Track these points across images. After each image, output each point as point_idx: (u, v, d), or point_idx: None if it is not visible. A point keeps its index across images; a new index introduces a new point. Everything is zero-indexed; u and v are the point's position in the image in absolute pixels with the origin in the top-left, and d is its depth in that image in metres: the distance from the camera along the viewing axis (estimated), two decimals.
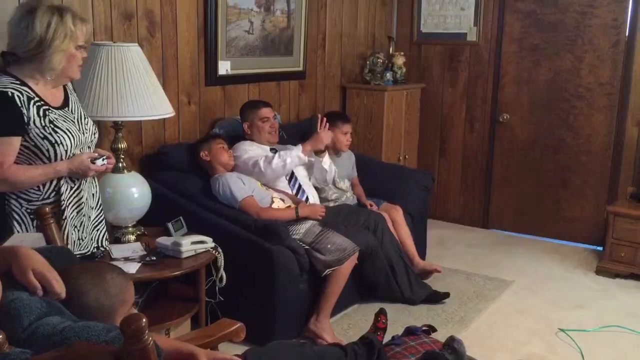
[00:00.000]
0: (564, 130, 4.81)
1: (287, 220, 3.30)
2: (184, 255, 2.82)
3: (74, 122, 2.31)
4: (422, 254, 4.16)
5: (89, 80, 2.68)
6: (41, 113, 2.19)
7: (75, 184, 2.33)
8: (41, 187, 2.26)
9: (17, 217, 2.24)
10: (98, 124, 2.51)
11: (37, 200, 2.25)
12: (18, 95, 2.15)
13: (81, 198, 2.36)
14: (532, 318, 3.57)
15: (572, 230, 4.88)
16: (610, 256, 4.19)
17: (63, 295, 1.46)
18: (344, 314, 3.55)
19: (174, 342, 1.75)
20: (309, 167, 3.79)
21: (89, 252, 2.44)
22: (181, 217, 3.08)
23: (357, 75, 5.01)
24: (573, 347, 3.23)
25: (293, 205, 3.41)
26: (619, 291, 3.99)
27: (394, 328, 3.06)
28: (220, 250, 2.97)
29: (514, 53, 4.93)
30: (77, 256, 2.25)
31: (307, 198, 3.62)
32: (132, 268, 2.65)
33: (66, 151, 2.25)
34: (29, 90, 2.19)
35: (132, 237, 2.96)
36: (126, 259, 2.73)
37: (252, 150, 3.53)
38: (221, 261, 2.96)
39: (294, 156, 3.49)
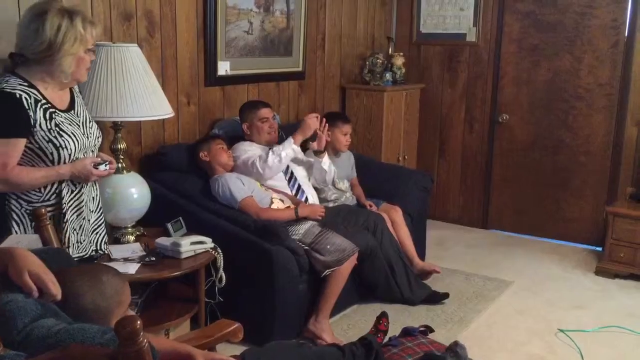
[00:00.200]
0: (564, 130, 4.82)
1: (287, 221, 3.30)
2: (184, 255, 2.82)
3: (79, 126, 2.31)
4: (422, 255, 4.16)
5: (89, 81, 2.67)
6: (47, 116, 2.20)
7: (76, 188, 2.34)
8: (42, 189, 2.26)
9: (16, 217, 2.24)
10: (97, 124, 2.51)
11: (37, 202, 2.25)
12: (26, 98, 2.15)
13: (82, 201, 2.36)
14: (531, 318, 3.57)
15: (572, 230, 4.88)
16: (610, 256, 4.19)
17: (59, 297, 1.45)
18: (344, 314, 3.55)
19: (171, 343, 1.75)
20: (309, 167, 3.80)
21: (87, 255, 2.44)
22: (180, 218, 3.08)
23: (356, 75, 5.01)
24: (572, 348, 3.23)
25: (292, 206, 3.41)
26: (618, 291, 3.99)
27: (394, 329, 3.05)
28: (219, 250, 2.97)
29: (513, 53, 4.93)
30: (75, 259, 2.26)
31: (306, 198, 3.63)
32: (132, 268, 2.66)
33: (70, 155, 2.25)
34: (37, 93, 2.20)
35: (132, 238, 2.96)
36: (125, 260, 2.73)
37: (250, 151, 3.53)
38: (220, 261, 2.96)
39: (287, 148, 3.49)
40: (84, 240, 2.39)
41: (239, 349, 2.47)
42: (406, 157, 5.00)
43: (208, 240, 2.94)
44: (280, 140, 3.66)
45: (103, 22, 3.12)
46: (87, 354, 1.21)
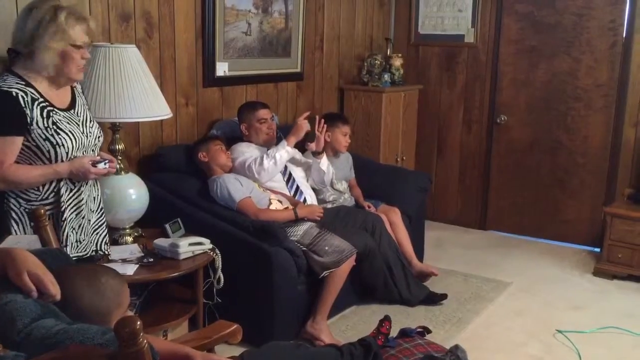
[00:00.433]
0: (562, 131, 4.82)
1: (285, 222, 3.30)
2: (182, 256, 2.82)
3: (78, 125, 2.31)
4: (420, 256, 4.16)
5: (87, 82, 2.68)
6: (45, 114, 2.20)
7: (75, 186, 2.33)
8: (40, 188, 2.26)
9: (15, 216, 2.24)
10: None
11: (35, 201, 2.25)
12: (22, 96, 2.16)
13: (81, 200, 2.36)
14: (529, 319, 3.58)
15: (570, 231, 4.88)
16: (608, 257, 4.19)
17: (58, 297, 1.45)
18: (342, 315, 3.55)
19: (169, 344, 1.75)
20: (307, 168, 3.80)
21: (88, 255, 2.44)
22: (179, 219, 3.08)
23: (354, 76, 5.01)
24: (570, 349, 3.23)
25: (291, 207, 3.41)
26: (616, 292, 4.00)
27: (392, 329, 3.05)
28: (217, 251, 2.97)
29: (512, 55, 4.94)
30: (75, 258, 2.26)
31: (304, 199, 3.63)
32: (130, 269, 2.65)
33: (67, 153, 2.25)
34: (34, 91, 2.20)
35: (130, 239, 2.96)
36: (124, 261, 2.73)
37: (248, 152, 3.53)
38: (219, 262, 2.96)
39: (282, 151, 3.50)
40: (83, 240, 2.39)
41: (237, 350, 2.47)
42: (404, 158, 5.01)
43: (206, 241, 2.94)
44: (279, 142, 3.66)
45: (101, 23, 3.11)
46: (87, 354, 1.21)
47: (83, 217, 2.37)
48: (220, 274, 2.97)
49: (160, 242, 2.87)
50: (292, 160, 3.67)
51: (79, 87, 2.46)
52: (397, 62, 4.96)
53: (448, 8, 5.07)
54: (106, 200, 2.78)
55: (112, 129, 2.89)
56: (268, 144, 3.62)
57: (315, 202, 3.71)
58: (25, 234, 2.24)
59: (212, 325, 2.06)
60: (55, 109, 2.24)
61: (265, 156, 3.47)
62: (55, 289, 1.45)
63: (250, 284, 3.09)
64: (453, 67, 5.14)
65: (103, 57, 2.72)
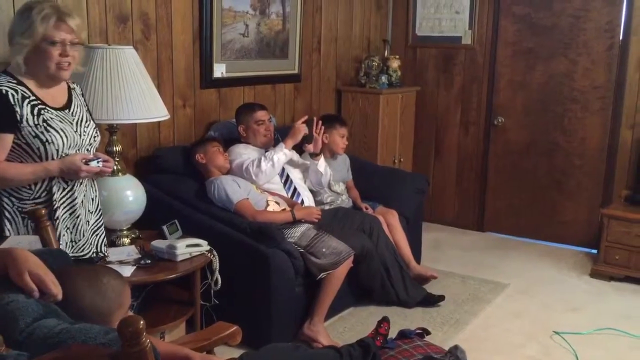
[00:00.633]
0: (559, 133, 4.83)
1: (283, 224, 3.29)
2: (179, 258, 2.81)
3: (71, 124, 2.30)
4: (417, 257, 4.16)
5: (84, 83, 2.67)
6: (35, 112, 2.20)
7: (68, 185, 2.32)
8: (33, 186, 2.25)
9: (8, 215, 2.24)
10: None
11: (28, 199, 2.25)
12: (12, 94, 2.16)
13: (74, 199, 2.34)
14: (527, 321, 3.58)
15: (567, 233, 4.89)
16: (605, 259, 4.20)
17: (60, 297, 1.45)
18: (339, 317, 3.54)
19: (169, 346, 1.75)
20: (304, 170, 3.80)
21: (87, 257, 2.43)
22: (176, 220, 3.08)
23: (352, 78, 5.01)
24: (568, 350, 3.24)
25: (288, 208, 3.41)
26: (613, 294, 4.00)
27: (390, 331, 3.05)
28: (215, 253, 2.96)
29: (509, 56, 4.94)
30: (73, 259, 2.25)
31: (302, 201, 3.62)
32: (127, 271, 2.65)
33: (57, 150, 2.23)
34: (26, 90, 2.21)
35: (127, 240, 2.95)
36: (121, 262, 2.72)
37: (245, 154, 3.53)
38: (216, 264, 2.96)
39: (280, 153, 3.50)
40: (79, 240, 2.37)
41: (235, 352, 2.46)
42: (402, 159, 5.01)
43: (204, 242, 2.93)
44: (276, 143, 3.66)
45: (98, 25, 3.11)
46: (90, 353, 1.21)
47: (78, 217, 2.35)
48: (217, 275, 2.97)
49: (158, 243, 2.87)
50: (290, 162, 3.67)
51: (78, 89, 2.45)
52: (395, 63, 4.96)
53: (445, 10, 5.08)
54: (103, 201, 2.77)
55: (109, 131, 2.89)
56: (266, 146, 3.62)
57: (312, 204, 3.71)
58: (18, 232, 2.24)
59: (212, 327, 2.06)
60: (47, 107, 2.24)
61: (263, 158, 3.47)
62: (56, 289, 1.45)
63: (247, 286, 3.09)
64: (450, 68, 5.15)
65: (100, 59, 2.72)
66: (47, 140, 2.21)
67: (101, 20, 3.12)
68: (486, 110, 5.07)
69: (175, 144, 3.61)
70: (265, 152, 3.58)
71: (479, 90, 5.06)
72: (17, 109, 2.16)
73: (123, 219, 2.91)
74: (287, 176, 3.67)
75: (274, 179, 3.59)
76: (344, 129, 4.06)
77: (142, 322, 1.14)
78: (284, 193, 3.60)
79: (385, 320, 2.67)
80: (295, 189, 3.65)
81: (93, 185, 2.48)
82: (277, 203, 3.42)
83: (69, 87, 2.40)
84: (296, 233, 3.30)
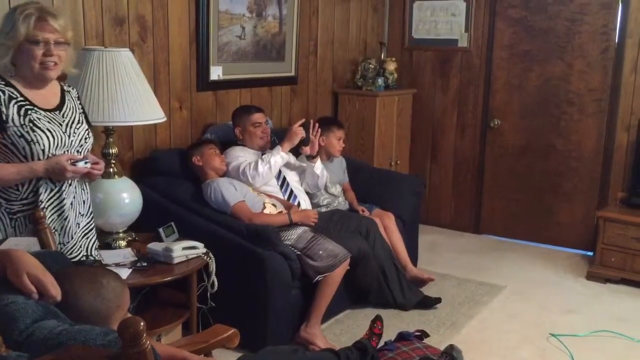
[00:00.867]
0: (555, 135, 4.84)
1: (279, 226, 3.29)
2: (176, 261, 2.80)
3: (61, 125, 2.28)
4: (414, 260, 4.16)
5: (80, 85, 2.67)
6: (22, 112, 2.19)
7: (55, 187, 2.30)
8: (20, 187, 2.24)
9: None
10: (91, 128, 2.48)
11: (15, 200, 2.23)
12: None
13: (62, 201, 2.31)
14: (523, 323, 3.58)
15: (563, 235, 4.90)
16: (601, 261, 4.21)
17: (58, 298, 1.45)
18: (336, 319, 3.54)
19: (167, 348, 1.75)
20: (301, 172, 3.80)
21: (76, 259, 2.41)
22: (172, 223, 3.07)
23: (348, 80, 5.02)
24: (564, 352, 3.24)
25: (285, 211, 3.41)
26: (609, 296, 4.01)
27: (386, 333, 3.05)
28: (211, 255, 2.96)
29: (505, 59, 4.96)
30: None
31: (299, 203, 3.62)
32: (123, 274, 2.63)
33: (43, 150, 2.22)
34: (14, 91, 2.20)
35: (123, 243, 2.94)
36: (117, 265, 2.71)
37: (242, 157, 3.52)
38: (213, 267, 2.95)
39: (277, 156, 3.51)
40: (68, 242, 2.35)
41: (232, 355, 2.46)
42: (398, 162, 5.01)
43: (200, 245, 2.93)
44: (273, 145, 3.66)
45: (95, 27, 3.11)
46: (89, 354, 1.21)
47: (66, 219, 2.32)
48: (214, 278, 2.96)
49: (154, 246, 2.86)
50: (287, 165, 3.68)
51: (73, 92, 2.44)
52: (391, 66, 4.97)
53: (442, 13, 5.09)
54: (99, 204, 2.77)
55: (105, 133, 2.88)
56: (262, 148, 3.62)
57: (309, 206, 3.71)
58: (6, 233, 2.22)
59: (210, 330, 2.06)
60: (35, 108, 2.23)
61: (260, 161, 3.47)
62: (55, 291, 1.45)
63: (244, 288, 3.08)
64: (447, 71, 5.16)
65: (97, 61, 2.71)
66: (32, 140, 2.20)
67: (97, 22, 3.12)
68: (482, 112, 5.08)
69: (171, 146, 3.61)
70: (262, 154, 3.58)
71: (475, 93, 5.07)
72: (3, 109, 2.16)
73: (119, 222, 2.90)
74: (284, 178, 3.67)
75: (271, 181, 3.58)
76: (341, 132, 4.06)
77: (142, 324, 1.15)
78: (280, 195, 3.60)
79: (378, 319, 2.67)
80: (291, 191, 3.65)
81: (85, 188, 2.45)
82: (274, 205, 3.42)
83: (63, 89, 2.39)
84: (293, 235, 3.30)
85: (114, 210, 2.83)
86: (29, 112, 2.21)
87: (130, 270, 2.70)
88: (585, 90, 4.69)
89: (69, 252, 2.37)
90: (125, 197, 2.87)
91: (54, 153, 2.24)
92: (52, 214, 2.29)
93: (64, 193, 2.32)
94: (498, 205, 5.15)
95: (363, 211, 3.96)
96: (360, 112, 4.75)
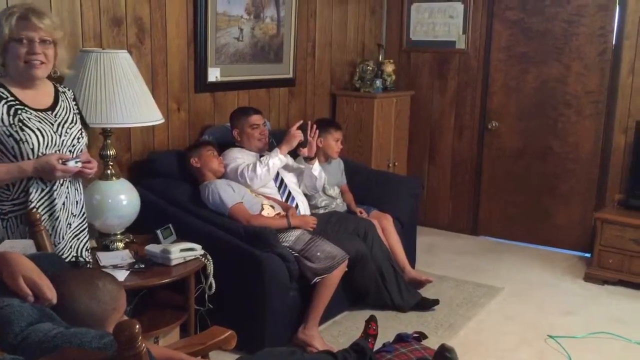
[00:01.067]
0: (552, 137, 4.85)
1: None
2: (173, 262, 2.80)
3: (52, 125, 2.27)
4: (412, 261, 4.16)
5: (78, 87, 2.66)
6: (12, 112, 2.19)
7: (46, 186, 2.28)
8: (10, 187, 2.23)
9: None
10: (86, 129, 2.47)
11: (6, 200, 2.22)
12: None
13: (54, 201, 2.29)
14: (521, 325, 3.58)
15: (561, 237, 4.90)
16: (599, 263, 4.21)
17: (54, 301, 1.45)
18: (334, 321, 3.54)
19: (164, 350, 1.74)
20: (299, 174, 3.79)
21: (66, 260, 2.39)
22: (170, 225, 3.06)
23: (346, 82, 5.02)
24: (562, 354, 3.24)
25: (283, 213, 3.41)
26: (607, 298, 4.01)
27: (384, 335, 3.05)
28: (209, 257, 2.95)
29: (503, 61, 4.96)
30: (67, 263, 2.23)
31: (296, 205, 3.62)
32: (121, 276, 2.63)
33: (32, 150, 2.21)
34: (4, 91, 2.21)
35: (121, 245, 2.94)
36: (114, 267, 2.71)
37: (240, 158, 3.52)
38: (210, 269, 2.95)
39: (275, 158, 3.50)
40: (58, 243, 2.33)
41: (230, 357, 2.46)
42: (396, 163, 5.01)
43: (198, 247, 2.92)
44: (271, 147, 3.66)
45: (92, 28, 3.10)
46: (85, 357, 1.21)
47: (57, 220, 2.31)
48: (211, 280, 2.96)
49: (152, 248, 2.86)
50: (285, 166, 3.67)
51: (69, 93, 2.43)
52: (389, 68, 4.97)
53: (439, 14, 5.10)
54: (97, 205, 2.77)
55: (103, 135, 2.88)
56: (260, 150, 3.62)
57: (307, 208, 3.71)
58: None
59: (207, 331, 2.05)
60: (26, 108, 2.22)
61: (258, 163, 3.47)
62: (51, 293, 1.44)
63: (242, 290, 3.08)
64: (444, 73, 5.16)
65: (94, 63, 2.71)
66: (20, 139, 2.19)
67: (95, 23, 3.12)
68: (480, 114, 5.08)
69: (169, 148, 3.61)
70: (260, 156, 3.58)
71: (473, 95, 5.08)
72: None
73: (117, 223, 2.90)
74: (282, 180, 3.67)
75: (269, 183, 3.58)
76: (339, 133, 4.06)
77: (137, 326, 1.14)
78: (278, 197, 3.60)
79: (372, 320, 2.67)
80: (289, 193, 3.65)
81: (78, 188, 2.43)
82: (272, 207, 3.42)
83: (57, 90, 2.38)
84: (291, 237, 3.30)
85: (112, 212, 2.83)
86: (19, 111, 2.20)
87: (128, 272, 2.69)
88: (583, 92, 4.70)
89: (59, 253, 2.35)
90: (123, 198, 2.86)
91: (44, 152, 2.23)
92: (43, 214, 2.27)
93: (55, 193, 2.30)
94: (496, 207, 5.15)
95: (361, 213, 3.96)
96: (358, 114, 4.75)
